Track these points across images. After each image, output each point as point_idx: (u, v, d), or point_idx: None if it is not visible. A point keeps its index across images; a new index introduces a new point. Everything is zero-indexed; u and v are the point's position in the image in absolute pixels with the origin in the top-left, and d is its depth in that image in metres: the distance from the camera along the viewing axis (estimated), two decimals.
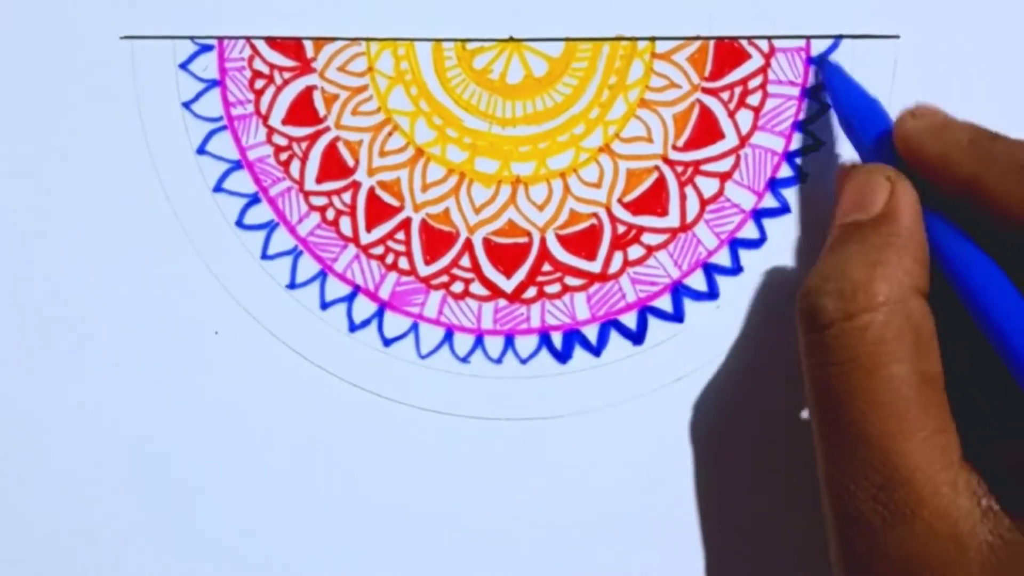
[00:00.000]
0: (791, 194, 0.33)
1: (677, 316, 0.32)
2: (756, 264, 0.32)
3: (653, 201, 0.33)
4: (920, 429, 0.22)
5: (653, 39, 0.33)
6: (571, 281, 0.33)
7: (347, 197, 0.33)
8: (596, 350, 0.32)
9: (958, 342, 0.24)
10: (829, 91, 0.30)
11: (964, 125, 0.25)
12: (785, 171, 0.33)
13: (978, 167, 0.24)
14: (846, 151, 0.32)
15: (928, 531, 0.21)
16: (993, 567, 0.21)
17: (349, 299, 0.33)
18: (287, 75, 0.33)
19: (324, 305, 0.33)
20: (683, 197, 0.33)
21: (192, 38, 0.33)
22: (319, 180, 0.33)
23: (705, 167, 0.33)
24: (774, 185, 0.33)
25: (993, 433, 0.24)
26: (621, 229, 0.33)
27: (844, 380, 0.23)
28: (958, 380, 0.24)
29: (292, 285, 0.33)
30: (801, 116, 0.33)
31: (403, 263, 0.33)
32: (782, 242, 0.32)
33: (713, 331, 0.32)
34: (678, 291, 0.33)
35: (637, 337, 0.32)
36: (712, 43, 0.33)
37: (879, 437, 0.22)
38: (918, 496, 0.21)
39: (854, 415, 0.23)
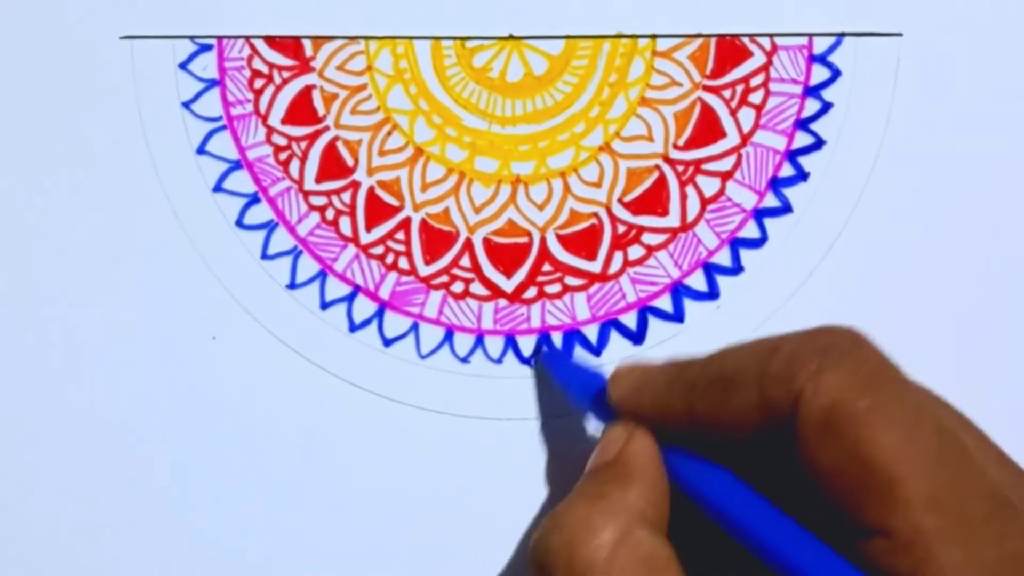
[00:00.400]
0: (793, 193, 0.32)
1: (677, 316, 0.32)
2: (757, 264, 0.32)
3: (654, 200, 0.33)
4: None
5: (654, 37, 0.33)
6: (571, 281, 0.32)
7: (347, 197, 0.33)
8: (596, 350, 0.32)
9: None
10: (555, 378, 0.30)
11: (659, 370, 0.25)
12: (787, 170, 0.32)
13: (686, 402, 0.24)
14: (850, 151, 0.32)
15: None
16: None
17: (349, 299, 0.33)
18: (286, 74, 0.33)
19: (324, 305, 0.33)
20: (684, 196, 0.32)
21: (191, 38, 0.33)
22: (319, 180, 0.33)
23: (706, 166, 0.33)
24: (776, 184, 0.32)
25: None
26: (621, 229, 0.33)
27: None
28: None
29: (292, 285, 0.33)
30: (803, 114, 0.32)
31: (403, 263, 0.33)
32: (783, 242, 0.32)
33: (713, 331, 0.32)
34: (678, 291, 0.32)
35: (637, 337, 0.32)
36: (713, 41, 0.32)
37: None
38: None
39: None
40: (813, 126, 0.32)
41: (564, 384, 0.30)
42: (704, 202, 0.32)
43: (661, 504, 0.24)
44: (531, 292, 0.33)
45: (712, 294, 0.32)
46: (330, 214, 0.33)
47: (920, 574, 0.20)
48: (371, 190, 0.33)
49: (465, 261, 0.33)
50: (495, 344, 0.32)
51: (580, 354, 0.32)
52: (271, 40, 0.33)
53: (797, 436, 0.21)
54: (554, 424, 0.32)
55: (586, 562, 0.22)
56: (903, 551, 0.20)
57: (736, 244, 0.32)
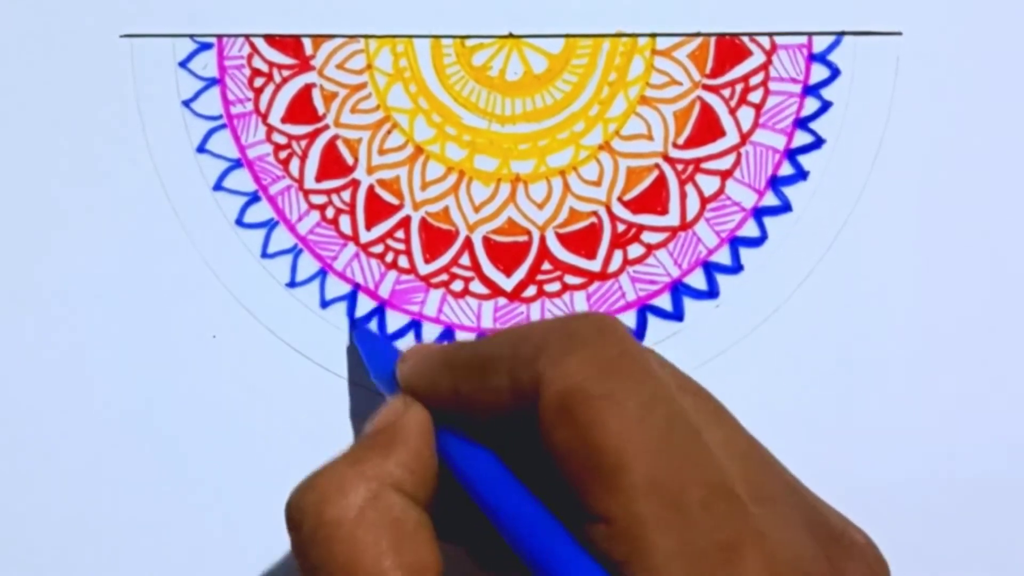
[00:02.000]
0: (793, 192, 0.32)
1: (677, 315, 0.32)
2: (757, 263, 0.32)
3: (653, 199, 0.33)
4: None
5: (654, 35, 0.33)
6: (571, 280, 0.33)
7: (346, 195, 0.33)
8: None
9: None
10: (362, 353, 0.31)
11: (435, 351, 0.26)
12: (787, 169, 0.32)
13: (452, 383, 0.24)
14: (850, 149, 0.32)
15: None
16: None
17: (349, 298, 0.33)
18: (286, 73, 0.33)
19: (324, 303, 0.33)
20: (683, 195, 0.32)
21: (191, 36, 0.33)
22: (318, 178, 0.33)
23: (706, 165, 0.33)
24: (775, 183, 0.32)
25: None
26: (621, 227, 0.33)
27: None
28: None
29: (292, 283, 0.33)
30: (803, 113, 0.32)
31: (403, 261, 0.33)
32: (783, 241, 0.32)
33: (713, 330, 0.32)
34: (678, 290, 0.32)
35: (637, 336, 0.32)
36: (713, 40, 0.32)
37: None
38: None
39: None
40: (813, 125, 0.32)
41: (368, 362, 0.30)
42: (704, 201, 0.32)
43: (423, 475, 0.24)
44: (531, 291, 0.33)
45: (712, 293, 0.32)
46: (330, 213, 0.33)
47: (633, 561, 0.20)
48: (371, 189, 0.33)
49: (465, 260, 0.33)
50: None
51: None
52: (271, 39, 0.33)
53: (539, 420, 0.22)
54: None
55: (334, 520, 0.22)
56: (619, 537, 0.20)
57: (736, 243, 0.32)
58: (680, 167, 0.33)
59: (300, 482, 0.24)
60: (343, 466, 0.24)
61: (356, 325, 0.32)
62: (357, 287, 0.33)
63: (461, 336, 0.32)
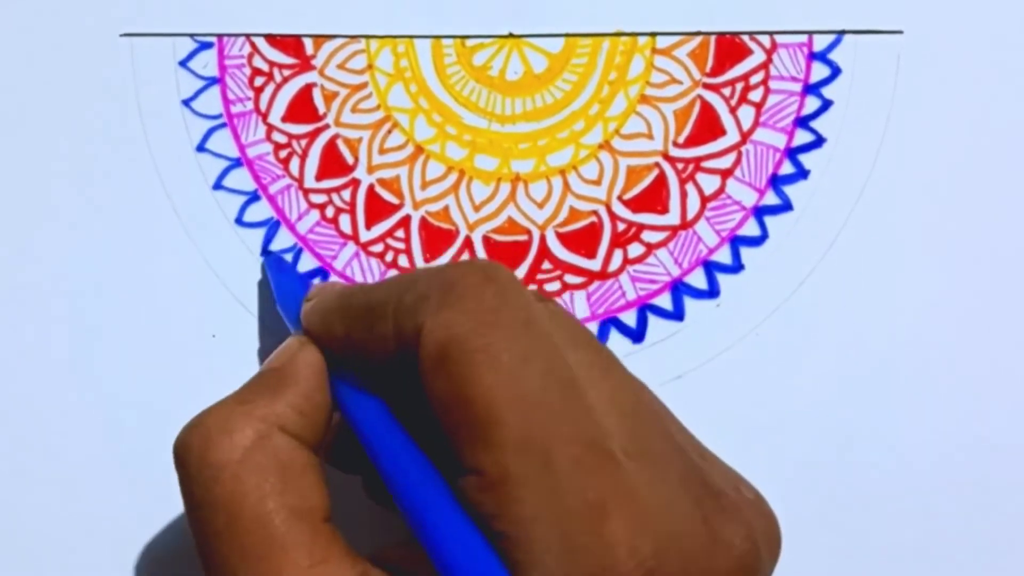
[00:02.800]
0: (793, 191, 0.32)
1: (677, 314, 0.32)
2: (757, 262, 0.32)
3: (653, 198, 0.33)
4: (291, 567, 0.22)
5: (654, 34, 0.33)
6: (571, 279, 0.32)
7: (347, 195, 0.33)
8: None
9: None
10: (271, 279, 0.30)
11: (334, 292, 0.25)
12: (787, 168, 0.32)
13: (345, 326, 0.24)
14: (850, 148, 0.32)
15: None
16: None
17: None
18: (287, 72, 0.33)
19: None
20: (684, 194, 0.32)
21: (192, 35, 0.33)
22: (319, 178, 0.33)
23: (706, 164, 0.32)
24: (776, 182, 0.32)
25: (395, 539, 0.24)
26: (621, 227, 0.32)
27: (208, 524, 0.22)
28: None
29: None
30: (803, 112, 0.32)
31: (403, 261, 0.33)
32: (784, 240, 0.32)
33: (713, 329, 0.32)
34: (678, 289, 0.32)
35: (637, 335, 0.32)
36: (713, 38, 0.32)
37: None
38: None
39: (224, 561, 0.22)
40: (813, 124, 0.32)
41: (279, 297, 0.29)
42: (704, 200, 0.32)
43: (313, 416, 0.24)
44: (531, 290, 0.32)
45: (712, 292, 0.32)
46: (330, 212, 0.33)
47: (500, 515, 0.20)
48: (371, 188, 0.33)
49: (465, 259, 0.33)
50: None
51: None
52: (272, 38, 0.33)
53: (420, 368, 0.21)
54: None
55: (219, 461, 0.22)
56: (489, 491, 0.20)
57: (736, 242, 0.32)
58: (680, 166, 0.33)
59: (189, 420, 0.24)
60: (231, 405, 0.23)
61: (269, 254, 0.31)
62: None
63: None
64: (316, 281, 0.32)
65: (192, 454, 0.23)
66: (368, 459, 0.23)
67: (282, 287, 0.29)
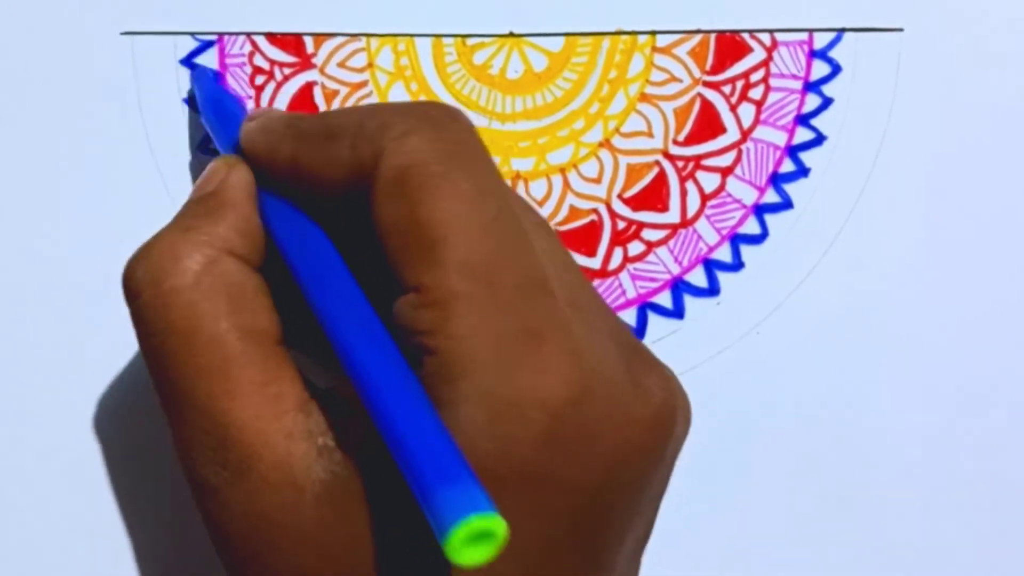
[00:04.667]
0: (793, 189, 0.32)
1: (677, 312, 0.32)
2: (757, 260, 0.32)
3: (653, 196, 0.32)
4: (246, 384, 0.22)
5: (653, 33, 0.33)
6: None
7: None
8: None
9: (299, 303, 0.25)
10: (197, 93, 0.30)
11: (284, 115, 0.26)
12: (787, 166, 0.32)
13: (293, 148, 0.24)
14: (851, 146, 0.32)
15: (264, 482, 0.21)
16: (325, 501, 0.21)
17: None
18: (287, 71, 0.33)
19: None
20: (684, 192, 0.32)
21: (193, 34, 0.33)
22: None
23: (706, 162, 0.32)
24: (776, 180, 0.32)
25: (331, 372, 0.24)
26: (621, 225, 0.32)
27: (164, 349, 0.23)
28: (301, 331, 0.24)
29: None
30: (804, 110, 0.32)
31: None
32: (784, 238, 0.32)
33: (713, 328, 0.32)
34: (678, 287, 0.32)
35: (637, 333, 0.32)
36: (713, 36, 0.32)
37: (205, 399, 0.22)
38: (251, 451, 0.22)
39: (180, 382, 0.23)
40: (814, 122, 0.32)
41: (202, 100, 0.29)
42: (704, 198, 0.32)
43: (253, 237, 0.24)
44: None
45: (712, 290, 0.32)
46: None
47: (438, 331, 0.20)
48: None
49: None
50: None
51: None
52: (272, 37, 0.33)
53: (371, 193, 0.22)
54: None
55: (172, 288, 0.23)
56: (428, 306, 0.20)
57: (736, 240, 0.32)
58: (680, 164, 0.32)
59: (133, 253, 0.25)
60: (175, 233, 0.24)
61: (195, 67, 0.31)
62: None
63: None
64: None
65: (144, 284, 0.24)
66: (293, 293, 0.23)
67: (212, 103, 0.29)
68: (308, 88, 0.33)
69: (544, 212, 0.33)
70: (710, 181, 0.32)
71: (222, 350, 0.22)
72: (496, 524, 0.18)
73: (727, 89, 0.32)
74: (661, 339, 0.32)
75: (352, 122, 0.23)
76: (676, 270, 0.32)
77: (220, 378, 0.22)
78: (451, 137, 0.22)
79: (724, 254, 0.32)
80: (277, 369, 0.23)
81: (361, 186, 0.22)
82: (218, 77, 0.32)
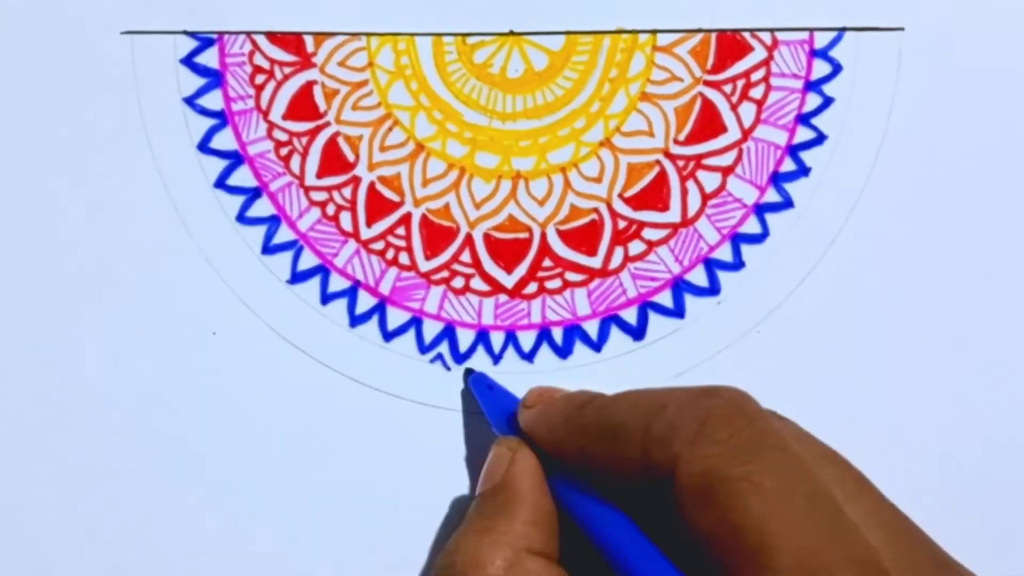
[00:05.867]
0: (794, 188, 0.32)
1: (678, 312, 0.32)
2: (758, 259, 0.32)
3: (654, 196, 0.32)
4: None
5: (654, 32, 0.33)
6: (572, 276, 0.32)
7: (347, 192, 0.33)
8: (596, 345, 0.32)
9: None
10: (476, 394, 0.31)
11: (560, 404, 0.26)
12: (788, 165, 0.32)
13: (578, 442, 0.25)
14: (851, 145, 0.32)
15: None
16: None
17: (350, 294, 0.33)
18: (287, 70, 0.33)
19: (325, 300, 0.33)
20: (684, 192, 0.32)
21: (193, 33, 0.33)
22: (319, 175, 0.33)
23: (707, 161, 0.32)
24: (777, 179, 0.32)
25: None
26: (622, 224, 0.32)
27: None
28: None
29: (293, 280, 0.33)
30: (805, 109, 0.32)
31: (403, 258, 0.33)
32: (784, 237, 0.32)
33: (714, 327, 0.32)
34: (679, 286, 0.32)
35: (638, 333, 0.32)
36: (714, 35, 0.32)
37: None
38: None
39: None
40: (814, 121, 0.32)
41: (485, 406, 0.30)
42: (705, 197, 0.32)
43: (547, 524, 0.25)
44: (531, 288, 0.32)
45: (713, 290, 0.32)
46: (331, 209, 0.33)
47: None
48: (372, 186, 0.33)
49: (466, 256, 0.33)
50: (496, 340, 0.32)
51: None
52: (272, 36, 0.33)
53: (675, 498, 0.22)
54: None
55: None
56: None
57: (737, 239, 0.32)
58: (681, 163, 0.32)
59: (438, 560, 0.25)
60: (475, 537, 0.24)
61: (471, 372, 0.32)
62: (357, 284, 0.33)
63: (462, 331, 0.32)
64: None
65: None
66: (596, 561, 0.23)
67: (489, 398, 0.30)
68: (308, 87, 0.33)
69: (545, 211, 0.33)
70: (711, 180, 0.32)
71: None
72: None
73: (728, 88, 0.32)
74: (661, 338, 0.32)
75: (636, 422, 0.23)
76: (677, 269, 0.32)
77: None
78: (742, 433, 0.22)
79: (725, 253, 0.32)
80: None
81: (655, 482, 0.22)
82: (484, 377, 0.32)
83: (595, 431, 0.24)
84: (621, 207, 0.33)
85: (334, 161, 0.33)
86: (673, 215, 0.32)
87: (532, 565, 0.24)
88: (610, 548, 0.23)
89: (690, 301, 0.32)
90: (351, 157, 0.33)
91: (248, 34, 0.33)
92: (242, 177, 0.33)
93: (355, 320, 0.33)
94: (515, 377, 0.32)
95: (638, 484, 0.23)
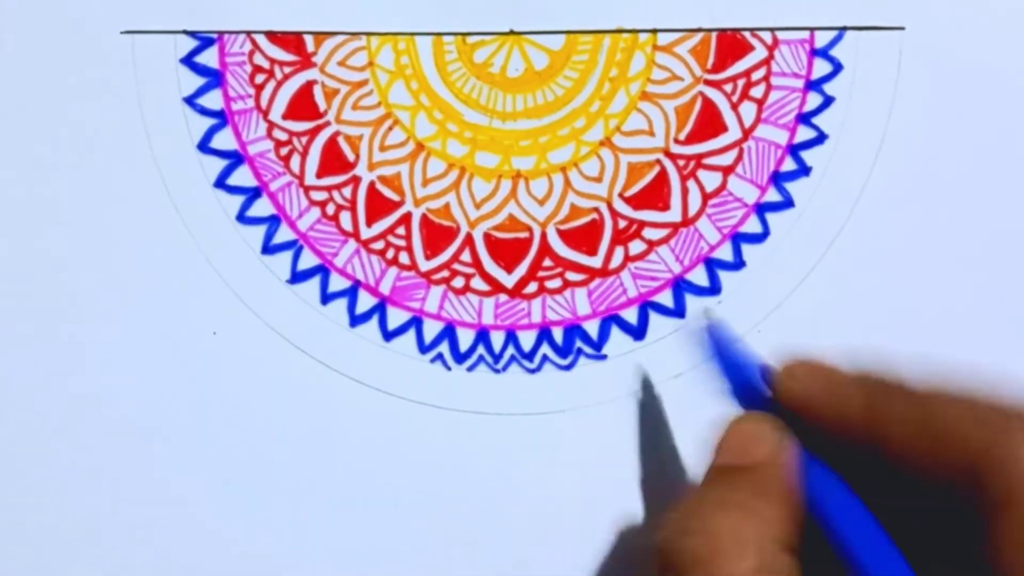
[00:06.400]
0: (795, 188, 0.32)
1: (678, 311, 0.32)
2: (759, 259, 0.32)
3: (654, 195, 0.32)
4: None
5: (655, 31, 0.33)
6: (572, 276, 0.32)
7: (347, 192, 0.33)
8: (597, 345, 0.32)
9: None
10: (711, 349, 0.29)
11: (852, 385, 0.24)
12: (789, 164, 0.32)
13: (876, 431, 0.23)
14: (852, 145, 0.32)
15: None
16: None
17: (350, 294, 0.33)
18: (287, 70, 0.33)
19: (325, 300, 0.33)
20: (685, 191, 0.32)
21: (193, 33, 0.33)
22: (319, 175, 0.33)
23: (707, 160, 0.32)
24: (777, 179, 0.32)
25: None
26: (622, 224, 0.32)
27: None
28: None
29: (293, 280, 0.33)
30: (805, 108, 0.32)
31: (403, 258, 0.33)
32: (785, 237, 0.32)
33: None
34: (679, 286, 0.32)
35: (638, 332, 0.32)
36: (714, 35, 0.32)
37: None
38: None
39: None
40: (815, 120, 0.32)
41: (722, 363, 0.28)
42: (705, 197, 0.32)
43: (798, 523, 0.23)
44: (532, 287, 0.32)
45: (713, 289, 0.32)
46: (331, 209, 0.33)
47: None
48: (372, 185, 0.33)
49: (466, 256, 0.33)
50: (496, 339, 0.32)
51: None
52: (272, 35, 0.33)
53: (993, 524, 0.20)
54: (556, 419, 0.32)
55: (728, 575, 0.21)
56: None
57: (737, 239, 0.32)
58: (682, 163, 0.32)
59: (674, 523, 0.23)
60: (728, 516, 0.22)
61: (702, 317, 0.31)
62: (358, 283, 0.33)
63: (462, 331, 0.32)
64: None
65: (694, 562, 0.22)
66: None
67: (722, 354, 0.28)
68: (308, 87, 0.33)
69: (545, 211, 0.33)
70: (711, 180, 0.32)
71: None
72: None
73: (728, 88, 0.32)
74: (662, 338, 0.32)
75: (968, 430, 0.22)
76: (677, 269, 0.32)
77: None
78: None
79: (725, 253, 0.32)
80: None
81: (961, 493, 0.21)
82: (722, 328, 0.30)
83: (907, 425, 0.22)
84: (621, 207, 0.32)
85: (334, 161, 0.33)
86: (674, 215, 0.32)
87: (784, 561, 0.22)
88: (854, 548, 0.22)
89: (691, 300, 0.32)
90: (351, 157, 0.33)
91: (248, 34, 0.33)
92: (242, 177, 0.33)
93: (355, 320, 0.32)
94: (514, 377, 0.32)
95: (931, 491, 0.21)
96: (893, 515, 0.23)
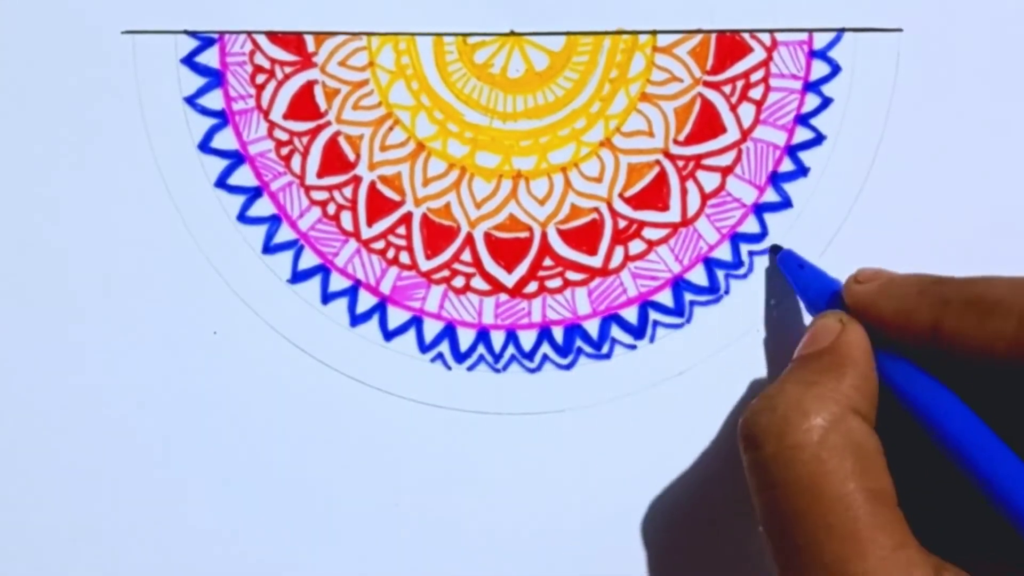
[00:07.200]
0: (793, 188, 0.32)
1: (678, 311, 0.32)
2: (758, 259, 0.32)
3: (654, 196, 0.33)
4: (877, 548, 0.22)
5: (654, 33, 0.33)
6: (572, 276, 0.33)
7: (348, 192, 0.33)
8: (597, 345, 0.32)
9: (920, 468, 0.25)
10: (786, 273, 0.31)
11: (909, 278, 0.26)
12: (787, 165, 0.33)
13: (933, 314, 0.24)
14: (850, 146, 0.32)
15: None
16: None
17: (350, 293, 0.33)
18: (288, 70, 0.33)
19: (325, 299, 0.33)
20: (684, 191, 0.33)
21: (193, 33, 0.33)
22: (320, 175, 0.33)
23: (706, 161, 0.33)
24: (776, 179, 0.32)
25: (959, 549, 0.23)
26: (622, 224, 0.33)
27: (786, 504, 0.23)
28: (923, 501, 0.24)
29: (293, 279, 0.33)
30: (804, 110, 0.33)
31: (404, 258, 0.33)
32: (784, 237, 0.32)
33: (714, 326, 0.32)
34: (679, 286, 0.32)
35: (638, 332, 0.32)
36: (714, 36, 0.33)
37: (833, 560, 0.22)
38: None
39: (804, 540, 0.22)
40: (813, 121, 0.32)
41: (797, 285, 0.30)
42: (704, 197, 0.33)
43: (872, 397, 0.24)
44: (532, 287, 0.33)
45: (713, 289, 0.32)
46: (331, 209, 0.33)
47: None
48: (372, 185, 0.33)
49: (466, 256, 0.33)
50: (496, 339, 0.32)
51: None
52: (273, 35, 0.33)
53: None
54: (556, 418, 0.32)
55: (797, 442, 0.23)
56: None
57: (736, 239, 0.32)
58: (681, 163, 0.33)
59: (754, 402, 0.25)
60: (800, 387, 0.24)
61: (779, 251, 0.31)
62: (358, 283, 0.33)
63: (463, 331, 0.32)
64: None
65: (769, 435, 0.23)
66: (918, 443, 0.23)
67: (799, 277, 0.30)
68: (309, 86, 0.33)
69: (545, 211, 0.33)
70: (710, 180, 0.33)
71: (851, 511, 0.22)
72: None
73: (727, 89, 0.33)
74: (662, 338, 0.32)
75: (1017, 297, 0.22)
76: (677, 269, 0.32)
77: (851, 540, 0.22)
78: None
79: (724, 253, 0.32)
80: (903, 534, 0.22)
81: (1019, 363, 0.22)
82: (791, 253, 0.32)
83: (960, 305, 0.23)
84: (621, 207, 0.33)
85: (335, 161, 0.33)
86: (673, 215, 0.33)
87: (855, 424, 0.23)
88: (945, 429, 0.23)
89: (690, 300, 0.32)
90: (352, 157, 0.33)
91: (249, 34, 0.33)
92: (243, 176, 0.33)
93: (356, 319, 0.33)
94: (515, 376, 0.32)
95: (990, 366, 0.22)
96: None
